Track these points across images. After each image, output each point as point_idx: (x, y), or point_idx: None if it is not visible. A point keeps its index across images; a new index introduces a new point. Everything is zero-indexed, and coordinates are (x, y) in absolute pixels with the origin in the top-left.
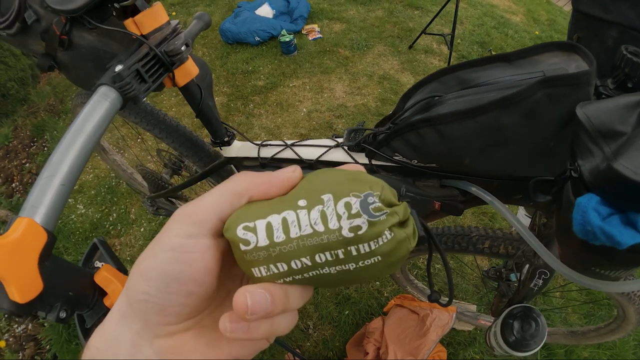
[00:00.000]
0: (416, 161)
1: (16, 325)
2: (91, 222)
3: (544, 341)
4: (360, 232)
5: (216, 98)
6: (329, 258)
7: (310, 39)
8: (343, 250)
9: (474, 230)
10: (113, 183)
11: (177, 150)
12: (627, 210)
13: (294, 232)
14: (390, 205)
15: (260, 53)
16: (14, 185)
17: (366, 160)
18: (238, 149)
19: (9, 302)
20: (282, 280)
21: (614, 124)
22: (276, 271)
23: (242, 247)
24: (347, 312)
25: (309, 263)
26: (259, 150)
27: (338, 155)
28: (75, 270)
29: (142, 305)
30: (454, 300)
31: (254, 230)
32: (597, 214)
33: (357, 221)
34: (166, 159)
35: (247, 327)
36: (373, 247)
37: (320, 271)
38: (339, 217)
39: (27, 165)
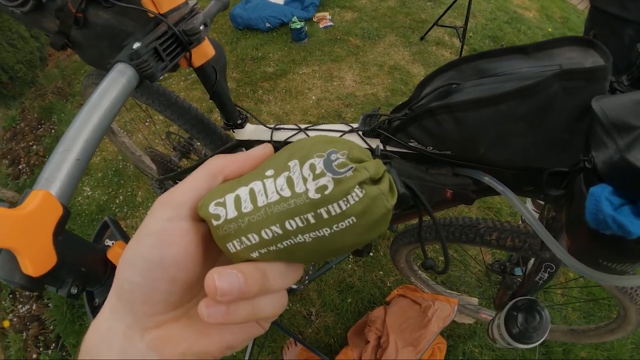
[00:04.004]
0: (432, 148)
1: (20, 305)
2: (98, 204)
3: (546, 334)
4: (327, 192)
5: None
6: (300, 224)
7: (321, 26)
8: (313, 214)
9: (482, 222)
10: (120, 166)
11: (188, 132)
12: (638, 201)
13: (261, 201)
14: (359, 162)
15: (270, 39)
16: (20, 167)
17: (381, 146)
18: (250, 132)
19: (22, 275)
20: (256, 253)
21: (629, 118)
22: (248, 243)
23: (214, 223)
24: (349, 300)
25: (280, 231)
26: (271, 134)
27: (352, 140)
28: (88, 246)
29: (129, 295)
30: (455, 292)
31: (223, 204)
32: (610, 203)
33: (322, 181)
34: (175, 142)
35: (224, 311)
36: (344, 207)
37: (295, 240)
38: (304, 180)
39: (34, 147)
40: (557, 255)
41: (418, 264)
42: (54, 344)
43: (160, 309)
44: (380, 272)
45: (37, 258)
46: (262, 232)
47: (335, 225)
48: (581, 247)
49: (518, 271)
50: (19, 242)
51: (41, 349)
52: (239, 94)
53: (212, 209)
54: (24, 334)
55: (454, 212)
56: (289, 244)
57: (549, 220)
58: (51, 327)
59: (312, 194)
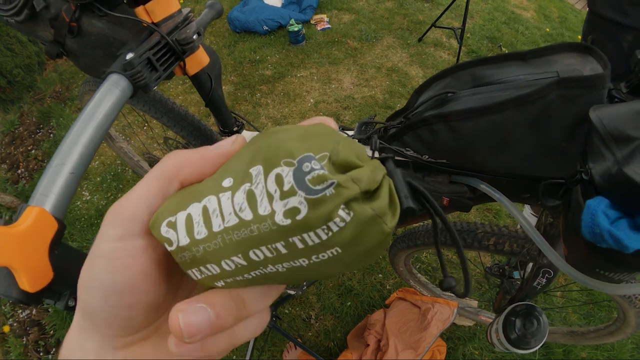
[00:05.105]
0: (427, 156)
1: (20, 311)
2: (96, 209)
3: (544, 340)
4: (299, 217)
5: (223, 87)
6: (268, 254)
7: (318, 29)
8: (283, 243)
9: (480, 227)
10: (119, 170)
11: (185, 138)
12: (635, 215)
13: (216, 225)
14: (348, 168)
15: (268, 42)
16: (19, 171)
17: (376, 154)
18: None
19: (19, 291)
20: (221, 282)
21: (627, 129)
22: (209, 273)
23: (168, 248)
24: (349, 303)
25: (244, 262)
26: None
27: None
28: (84, 258)
29: (91, 317)
30: (455, 295)
31: (174, 225)
32: (606, 217)
33: (292, 201)
34: (173, 147)
35: (199, 347)
36: (324, 237)
37: (264, 270)
38: (270, 198)
39: (33, 151)
40: (554, 263)
41: (417, 267)
42: (54, 349)
43: (125, 332)
44: (380, 275)
45: (34, 274)
46: (222, 263)
47: (315, 255)
48: (578, 256)
49: (516, 274)
50: (15, 260)
51: (41, 354)
52: (237, 97)
53: (164, 230)
54: (24, 338)
55: (452, 215)
56: (259, 274)
57: (547, 226)
58: (51, 332)
59: (280, 219)
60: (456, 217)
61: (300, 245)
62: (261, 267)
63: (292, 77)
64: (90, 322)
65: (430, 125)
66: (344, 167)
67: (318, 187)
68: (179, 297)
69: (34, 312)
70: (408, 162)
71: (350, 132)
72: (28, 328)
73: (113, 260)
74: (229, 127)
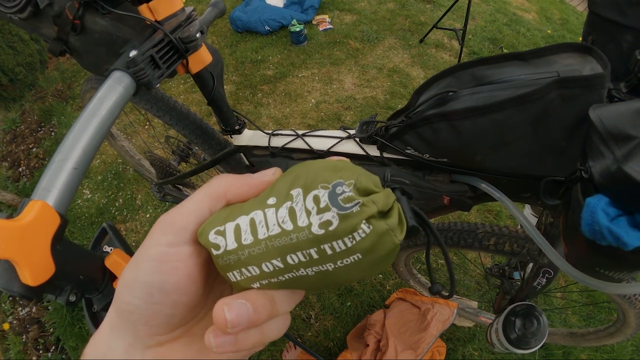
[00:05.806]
0: (428, 155)
1: (20, 308)
2: (97, 207)
3: (544, 340)
4: (331, 228)
5: (225, 86)
6: (302, 259)
7: (320, 29)
8: (316, 249)
9: (480, 227)
10: (120, 169)
11: (187, 137)
12: (635, 213)
13: (261, 233)
14: (367, 193)
15: (269, 42)
16: (20, 169)
17: (378, 153)
18: (249, 137)
19: (21, 284)
20: (257, 284)
21: (626, 128)
22: (249, 275)
23: (214, 252)
24: (349, 303)
25: (281, 265)
26: (269, 140)
27: (349, 146)
28: (86, 254)
29: (130, 316)
30: (455, 296)
31: (223, 233)
32: (606, 214)
33: (326, 215)
34: (174, 146)
35: (233, 340)
36: (349, 244)
37: (296, 273)
38: (308, 213)
39: (34, 149)
40: (554, 263)
41: (417, 267)
42: (53, 347)
43: (162, 330)
44: (380, 276)
45: (36, 268)
46: (263, 265)
47: (340, 261)
48: (578, 255)
49: (517, 275)
50: (17, 253)
51: (41, 352)
52: (239, 97)
53: (212, 237)
54: (24, 336)
55: (452, 215)
56: (291, 276)
57: (547, 226)
58: (51, 329)
59: (316, 229)
60: (457, 217)
61: (329, 252)
62: (294, 270)
63: (293, 77)
64: (125, 320)
65: (432, 124)
66: (364, 192)
67: (347, 205)
68: (209, 303)
69: (33, 309)
70: (409, 161)
71: (352, 131)
72: (28, 326)
73: (163, 263)
74: (230, 126)
